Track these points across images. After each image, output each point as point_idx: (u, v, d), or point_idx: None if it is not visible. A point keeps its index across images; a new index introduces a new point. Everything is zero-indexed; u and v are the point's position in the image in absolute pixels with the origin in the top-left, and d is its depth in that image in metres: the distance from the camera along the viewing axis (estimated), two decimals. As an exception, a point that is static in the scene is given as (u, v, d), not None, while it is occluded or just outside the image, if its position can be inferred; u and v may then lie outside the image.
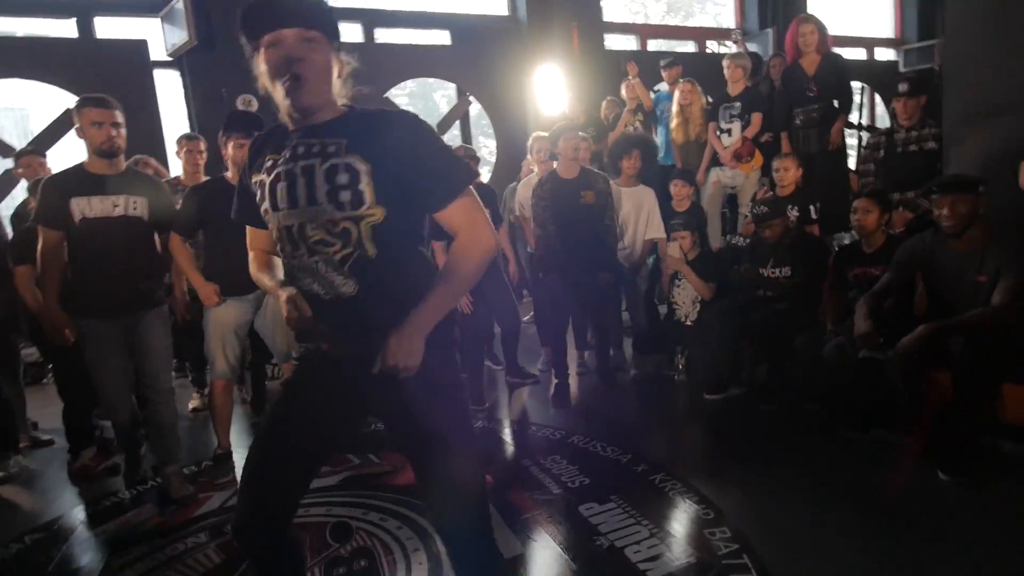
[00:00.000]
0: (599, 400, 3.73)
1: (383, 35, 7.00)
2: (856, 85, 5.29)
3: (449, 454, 1.34)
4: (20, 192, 4.44)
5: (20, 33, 8.19)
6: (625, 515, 2.40)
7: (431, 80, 8.12)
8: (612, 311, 3.93)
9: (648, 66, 5.86)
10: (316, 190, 1.25)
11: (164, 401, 2.86)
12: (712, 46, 8.46)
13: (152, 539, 2.49)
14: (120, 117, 2.67)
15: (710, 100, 5.07)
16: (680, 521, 2.35)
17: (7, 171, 5.29)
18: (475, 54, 7.20)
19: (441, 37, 7.26)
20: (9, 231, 3.58)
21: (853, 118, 5.09)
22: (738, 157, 4.48)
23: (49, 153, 4.93)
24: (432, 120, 9.83)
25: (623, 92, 5.37)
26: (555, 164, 3.80)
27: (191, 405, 4.10)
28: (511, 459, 3.11)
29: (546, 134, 4.09)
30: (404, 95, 20.63)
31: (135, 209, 2.73)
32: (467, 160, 3.71)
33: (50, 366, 3.97)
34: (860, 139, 5.54)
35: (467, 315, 3.81)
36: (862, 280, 3.03)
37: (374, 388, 1.30)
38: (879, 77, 8.34)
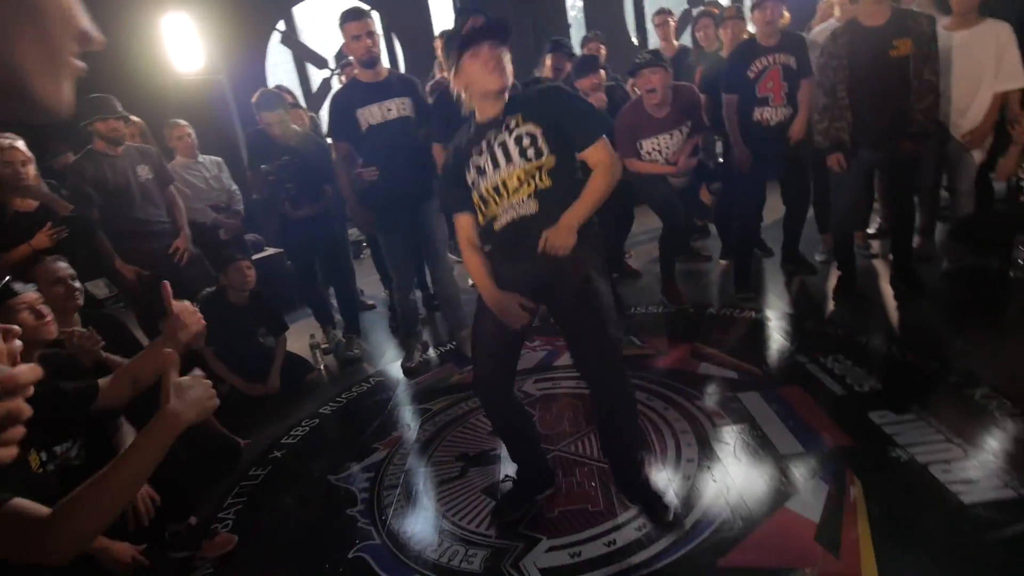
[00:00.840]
0: (897, 297, 3.18)
1: None
2: None
3: (591, 311, 1.78)
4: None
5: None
6: (931, 429, 2.10)
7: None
8: (911, 190, 3.19)
9: None
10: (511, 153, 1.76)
11: (446, 276, 3.37)
12: None
13: (453, 392, 3.02)
14: (373, 25, 2.88)
15: None
16: (1010, 447, 1.97)
17: (325, 80, 6.33)
18: None
19: None
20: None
21: None
22: None
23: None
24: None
25: None
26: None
27: (470, 281, 4.69)
28: (783, 353, 2.90)
29: None
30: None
31: (404, 109, 3.01)
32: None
33: (364, 244, 4.82)
34: None
35: (731, 190, 3.51)
36: None
37: (547, 274, 1.79)
38: None
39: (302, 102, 5.85)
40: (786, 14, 3.42)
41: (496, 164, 1.78)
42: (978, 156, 3.10)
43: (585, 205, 1.74)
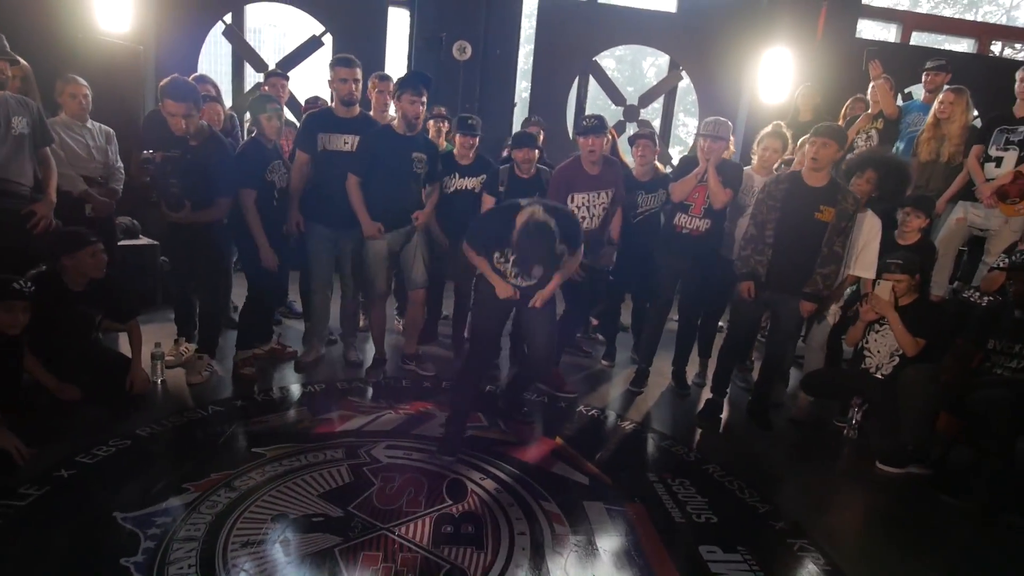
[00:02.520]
0: (748, 433, 3.37)
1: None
2: None
3: (544, 328, 2.97)
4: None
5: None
6: (750, 573, 2.15)
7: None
8: (793, 343, 3.48)
9: (907, 63, 4.95)
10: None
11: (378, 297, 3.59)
12: (997, 48, 6.96)
13: (296, 440, 2.78)
14: (359, 74, 3.35)
15: (975, 116, 4.17)
16: (814, 605, 2.05)
17: (257, 84, 6.09)
18: (699, 26, 6.69)
19: (666, 3, 6.84)
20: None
21: None
22: (1003, 196, 3.61)
23: (292, 73, 5.53)
24: (636, 89, 9.41)
25: (870, 93, 4.55)
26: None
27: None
28: (636, 468, 2.92)
29: (782, 132, 3.61)
30: (612, 58, 20.14)
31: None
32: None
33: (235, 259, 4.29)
34: None
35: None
36: None
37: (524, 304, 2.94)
38: None
39: (228, 100, 5.58)
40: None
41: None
42: (832, 320, 3.42)
43: (555, 283, 2.92)
